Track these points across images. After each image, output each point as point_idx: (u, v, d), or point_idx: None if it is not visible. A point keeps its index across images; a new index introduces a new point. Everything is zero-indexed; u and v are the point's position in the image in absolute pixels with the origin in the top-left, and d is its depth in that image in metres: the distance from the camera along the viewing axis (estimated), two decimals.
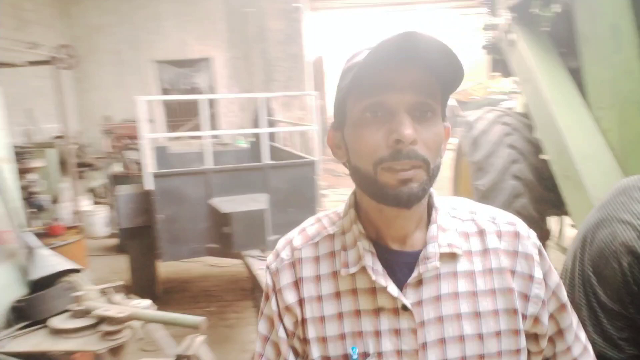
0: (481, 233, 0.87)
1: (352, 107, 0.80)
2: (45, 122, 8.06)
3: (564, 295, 0.91)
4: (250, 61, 10.38)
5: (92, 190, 8.03)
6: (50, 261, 2.13)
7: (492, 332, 0.82)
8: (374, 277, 0.80)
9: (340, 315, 0.83)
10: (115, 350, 1.81)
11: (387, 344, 0.81)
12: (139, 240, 4.41)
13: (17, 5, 8.61)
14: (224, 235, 3.61)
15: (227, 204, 3.71)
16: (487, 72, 4.74)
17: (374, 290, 0.82)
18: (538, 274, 0.86)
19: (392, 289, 0.80)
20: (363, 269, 0.82)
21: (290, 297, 0.86)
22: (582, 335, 0.94)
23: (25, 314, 1.96)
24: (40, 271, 2.04)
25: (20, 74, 6.99)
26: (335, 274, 0.85)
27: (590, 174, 2.65)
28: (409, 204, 0.77)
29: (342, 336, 0.82)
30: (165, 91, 10.35)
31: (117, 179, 6.56)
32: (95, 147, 9.14)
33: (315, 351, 0.83)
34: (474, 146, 4.05)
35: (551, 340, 0.90)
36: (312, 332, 0.84)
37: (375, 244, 0.84)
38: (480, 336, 0.82)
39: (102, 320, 1.89)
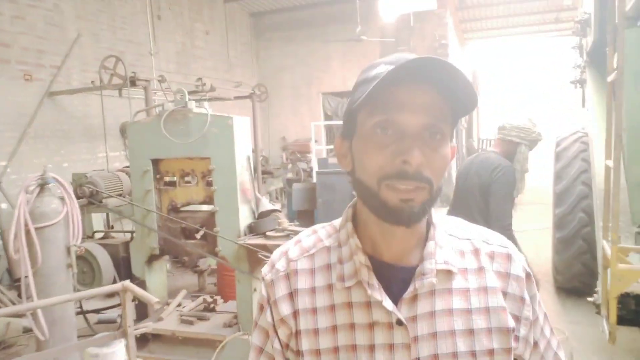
0: (477, 252, 0.88)
1: (363, 121, 0.80)
2: None
3: (542, 317, 0.92)
4: None
5: (269, 193, 10.44)
6: (266, 204, 4.03)
7: (484, 350, 0.82)
8: (369, 292, 0.80)
9: (334, 329, 0.83)
10: None
11: (381, 358, 0.81)
12: (304, 220, 6.34)
13: (226, 53, 11.55)
14: None
15: None
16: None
17: (369, 304, 0.82)
18: (527, 296, 0.87)
19: (387, 303, 0.80)
20: (359, 283, 0.82)
21: (285, 308, 0.86)
22: (554, 341, 0.95)
23: (253, 230, 3.84)
24: (262, 208, 3.95)
25: (225, 105, 9.56)
26: (330, 287, 0.85)
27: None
28: (409, 222, 0.78)
29: (336, 349, 0.82)
30: (329, 117, 12.60)
31: (290, 182, 8.73)
32: (273, 160, 11.66)
33: None
34: (556, 159, 5.18)
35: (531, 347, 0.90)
36: (305, 345, 0.84)
37: (372, 258, 0.84)
38: (473, 353, 0.82)
39: (291, 232, 3.69)
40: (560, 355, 0.94)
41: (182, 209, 4.05)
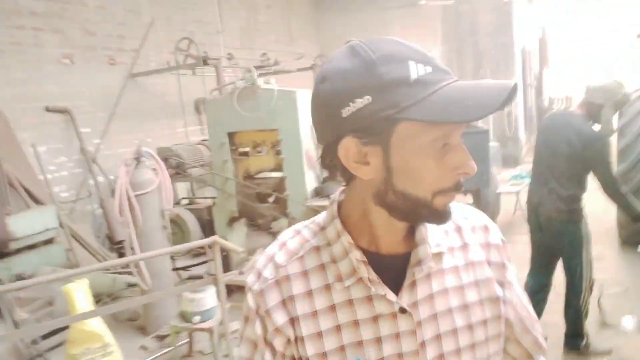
0: (459, 229, 0.90)
1: (414, 131, 0.73)
2: None
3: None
4: (462, 53, 11.94)
5: None
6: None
7: (480, 321, 0.86)
8: (373, 289, 0.80)
9: (338, 328, 0.82)
10: None
11: (388, 349, 0.81)
12: None
13: (288, 26, 11.88)
14: None
15: None
16: None
17: (370, 298, 0.81)
18: (507, 261, 0.93)
19: (391, 295, 0.80)
20: (359, 280, 0.81)
21: (279, 318, 0.83)
22: (524, 298, 0.98)
23: (319, 193, 4.25)
24: (326, 173, 4.37)
25: (288, 77, 9.91)
26: (328, 287, 0.83)
27: None
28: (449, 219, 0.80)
29: (342, 348, 0.82)
30: None
31: None
32: None
33: None
34: (619, 116, 5.14)
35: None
36: (310, 349, 0.82)
37: (365, 252, 0.82)
38: (470, 327, 0.85)
39: None
40: (529, 308, 0.98)
41: (255, 176, 4.53)
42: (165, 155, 5.10)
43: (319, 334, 0.82)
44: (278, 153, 4.30)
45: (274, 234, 6.29)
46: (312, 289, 0.83)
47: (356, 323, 0.81)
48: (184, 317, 3.39)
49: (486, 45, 11.62)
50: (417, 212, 0.78)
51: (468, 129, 5.29)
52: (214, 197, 4.84)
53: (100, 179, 6.68)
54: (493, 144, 6.71)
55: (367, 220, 0.82)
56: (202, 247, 5.14)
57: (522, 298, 0.97)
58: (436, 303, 0.83)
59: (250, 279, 0.87)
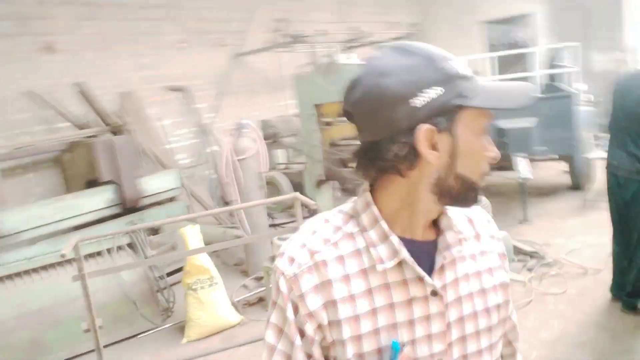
0: (470, 221, 0.97)
1: (472, 118, 0.81)
2: None
3: None
4: (568, 11, 11.24)
5: None
6: None
7: (494, 305, 0.93)
8: (418, 270, 0.84)
9: (374, 311, 0.83)
10: None
11: (420, 331, 0.84)
12: None
13: None
14: (502, 143, 5.72)
15: (505, 123, 5.78)
16: None
17: (405, 281, 0.84)
18: (505, 252, 1.00)
19: (428, 278, 0.84)
20: (398, 263, 0.84)
21: (313, 302, 0.83)
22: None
23: None
24: None
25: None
26: (364, 272, 0.84)
27: None
28: None
29: (377, 331, 0.84)
30: (492, 46, 12.33)
31: None
32: None
33: (349, 350, 0.83)
34: None
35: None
36: (347, 333, 0.83)
37: (400, 239, 0.85)
38: (487, 310, 0.91)
39: None
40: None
41: (339, 143, 5.06)
42: (265, 126, 5.82)
43: (356, 317, 0.83)
44: None
45: None
46: (349, 274, 0.84)
47: (392, 306, 0.84)
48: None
49: (595, 1, 10.83)
50: (467, 195, 0.84)
51: (552, 93, 5.10)
52: (305, 163, 5.48)
53: (215, 148, 7.65)
54: (587, 108, 6.54)
55: (410, 209, 0.86)
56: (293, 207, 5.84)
57: None
58: (460, 287, 0.89)
59: (282, 265, 0.86)
